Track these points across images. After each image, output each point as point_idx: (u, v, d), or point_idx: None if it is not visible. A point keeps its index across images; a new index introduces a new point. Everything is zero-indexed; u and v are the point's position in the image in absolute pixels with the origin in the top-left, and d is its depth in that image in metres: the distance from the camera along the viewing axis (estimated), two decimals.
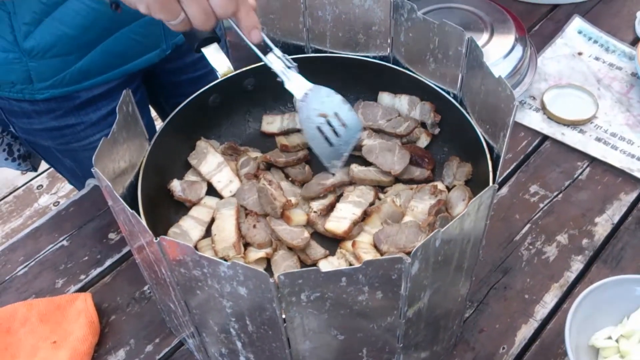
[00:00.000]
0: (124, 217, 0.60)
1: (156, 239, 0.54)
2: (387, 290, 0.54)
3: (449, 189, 0.81)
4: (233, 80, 0.83)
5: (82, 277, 0.89)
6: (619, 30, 1.18)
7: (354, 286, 0.53)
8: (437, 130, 0.86)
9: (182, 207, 0.81)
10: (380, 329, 0.59)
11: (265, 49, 0.76)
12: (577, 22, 1.18)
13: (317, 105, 0.77)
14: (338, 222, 0.77)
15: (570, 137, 1.01)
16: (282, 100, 0.91)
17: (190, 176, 0.82)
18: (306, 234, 0.75)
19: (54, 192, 2.08)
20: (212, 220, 0.78)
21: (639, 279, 0.76)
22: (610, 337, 0.76)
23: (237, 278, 0.52)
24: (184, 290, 0.60)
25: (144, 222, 0.55)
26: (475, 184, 0.81)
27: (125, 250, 0.92)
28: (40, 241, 0.93)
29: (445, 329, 0.72)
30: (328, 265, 0.75)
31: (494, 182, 0.70)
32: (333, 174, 0.82)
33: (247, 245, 0.76)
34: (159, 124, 1.24)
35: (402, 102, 0.87)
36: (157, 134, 0.77)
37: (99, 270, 0.90)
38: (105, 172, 0.63)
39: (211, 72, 1.18)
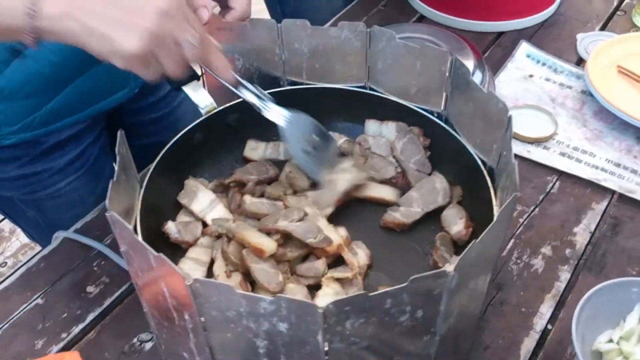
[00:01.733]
0: (142, 261, 0.56)
1: (189, 282, 0.51)
2: (428, 307, 0.54)
3: (442, 208, 0.82)
4: (216, 117, 0.82)
5: (64, 335, 0.83)
6: (562, 53, 1.25)
7: (397, 307, 0.52)
8: (427, 154, 0.87)
9: (178, 249, 0.77)
10: (418, 349, 0.58)
11: (238, 85, 0.79)
12: (524, 47, 1.25)
13: (299, 129, 0.82)
14: None
15: (536, 154, 1.06)
16: (266, 134, 0.90)
17: (182, 217, 0.79)
18: (280, 278, 0.72)
19: (0, 253, 1.95)
20: (212, 261, 0.75)
21: (633, 281, 0.79)
22: (611, 340, 0.78)
23: (279, 313, 0.50)
24: (211, 334, 0.57)
25: (172, 264, 0.52)
26: (467, 203, 0.83)
27: (107, 303, 0.86)
28: (12, 301, 0.86)
29: (461, 348, 0.72)
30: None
31: (495, 194, 0.72)
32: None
33: (252, 283, 0.73)
34: None
35: (390, 128, 0.88)
36: (148, 175, 0.74)
37: (81, 326, 0.84)
38: (119, 215, 0.59)
39: (171, 113, 1.17)
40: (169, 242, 0.76)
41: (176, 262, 0.75)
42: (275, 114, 0.79)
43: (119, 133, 0.66)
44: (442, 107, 0.84)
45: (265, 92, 0.81)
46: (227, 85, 0.77)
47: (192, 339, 0.59)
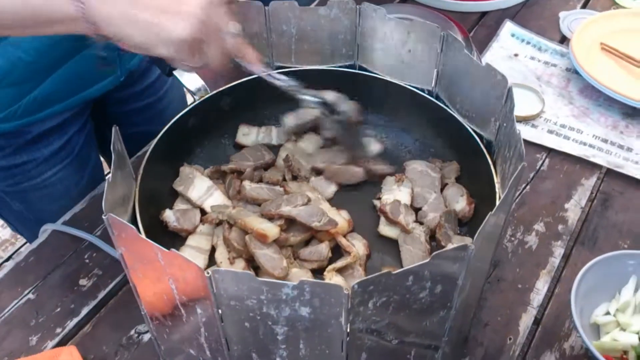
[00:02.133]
0: (144, 261, 0.55)
1: (208, 273, 0.50)
2: (446, 282, 0.54)
3: (441, 189, 0.82)
4: (209, 102, 0.81)
5: (58, 330, 0.81)
6: (546, 31, 1.26)
7: (418, 283, 0.52)
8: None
9: (176, 237, 0.76)
10: (433, 325, 0.58)
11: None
12: (509, 26, 1.25)
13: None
14: None
15: (525, 132, 1.06)
16: (259, 118, 0.89)
17: (179, 204, 0.77)
18: (285, 263, 0.71)
19: None
20: (214, 249, 0.74)
21: (628, 253, 0.80)
22: (608, 313, 0.79)
23: (302, 297, 0.50)
24: (228, 325, 0.56)
25: (186, 257, 0.51)
26: (466, 180, 0.83)
27: (101, 296, 0.84)
28: (2, 298, 0.84)
29: (468, 319, 0.73)
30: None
31: (494, 166, 0.73)
32: None
33: (256, 269, 0.72)
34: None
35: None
36: (142, 166, 0.72)
37: (75, 320, 0.82)
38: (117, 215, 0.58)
39: (158, 101, 1.15)
40: (167, 230, 0.75)
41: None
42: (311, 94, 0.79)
43: (113, 129, 0.64)
44: (432, 84, 0.84)
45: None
46: (260, 74, 0.76)
47: (203, 333, 0.58)
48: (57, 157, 0.97)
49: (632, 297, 0.79)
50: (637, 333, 0.76)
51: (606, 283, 0.79)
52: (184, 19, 0.62)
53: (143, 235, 0.56)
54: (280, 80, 0.77)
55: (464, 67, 0.76)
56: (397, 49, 0.84)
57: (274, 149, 0.87)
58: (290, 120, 0.86)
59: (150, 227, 0.70)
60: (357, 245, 0.75)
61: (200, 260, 0.73)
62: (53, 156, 0.97)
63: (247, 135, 0.88)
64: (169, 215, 0.74)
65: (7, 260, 1.85)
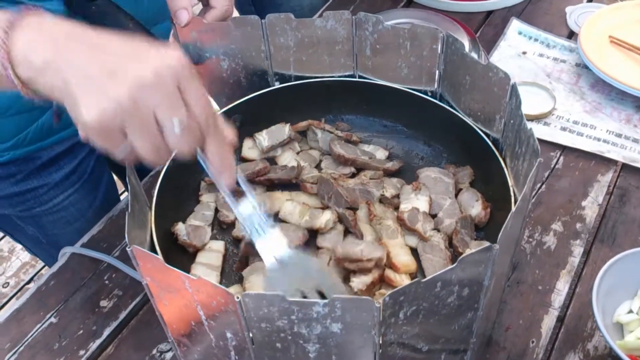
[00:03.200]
0: (171, 289, 0.56)
1: (238, 298, 0.50)
2: (473, 284, 0.54)
3: (456, 194, 0.81)
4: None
5: (82, 352, 0.82)
6: (553, 27, 1.25)
7: (446, 289, 0.52)
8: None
9: (188, 251, 0.77)
10: (460, 328, 0.59)
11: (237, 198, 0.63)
12: (515, 24, 1.25)
13: (295, 275, 0.64)
14: None
15: (538, 130, 1.05)
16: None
17: (192, 220, 0.78)
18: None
19: (1, 273, 1.92)
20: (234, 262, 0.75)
21: None
22: (631, 311, 0.78)
23: (333, 314, 0.50)
24: (259, 348, 0.56)
25: (215, 283, 0.51)
26: (480, 184, 0.83)
27: (122, 316, 0.85)
28: (25, 323, 0.85)
29: (490, 322, 0.72)
30: None
31: (503, 161, 0.72)
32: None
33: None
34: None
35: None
36: (156, 189, 0.73)
37: (98, 342, 0.83)
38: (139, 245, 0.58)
39: None
40: (177, 242, 0.76)
41: (187, 266, 0.74)
42: (268, 246, 0.63)
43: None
44: (435, 86, 0.84)
45: (266, 214, 0.64)
46: (224, 193, 0.60)
47: (233, 356, 0.59)
48: (68, 180, 0.98)
49: None
50: None
51: (628, 280, 0.79)
52: (100, 100, 0.50)
53: (180, 271, 0.54)
54: (238, 212, 0.63)
55: (465, 66, 0.76)
56: (396, 55, 0.84)
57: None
58: (264, 139, 0.87)
59: (163, 241, 0.70)
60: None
61: (213, 277, 0.73)
62: (64, 180, 0.98)
63: (252, 149, 0.88)
64: (180, 229, 0.75)
65: (28, 282, 1.88)
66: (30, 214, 1.00)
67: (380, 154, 0.89)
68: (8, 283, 1.89)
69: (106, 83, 0.50)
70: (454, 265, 0.50)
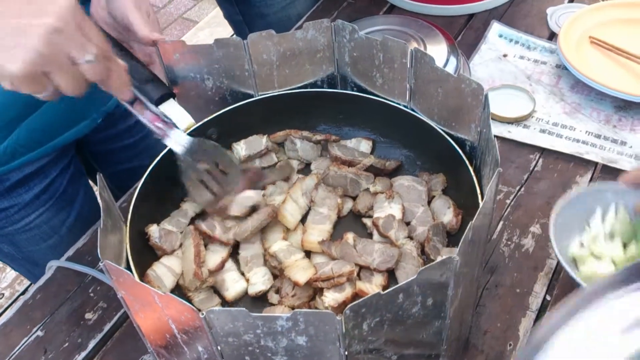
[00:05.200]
0: (144, 303, 0.57)
1: (202, 314, 0.52)
2: (437, 294, 0.55)
3: (429, 202, 0.82)
4: (196, 133, 0.82)
5: None
6: (534, 29, 1.26)
7: (409, 299, 0.53)
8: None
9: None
10: (429, 336, 0.60)
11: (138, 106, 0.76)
12: (496, 27, 1.25)
13: (199, 157, 0.78)
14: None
15: (517, 133, 1.06)
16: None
17: (166, 224, 0.80)
18: None
19: None
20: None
21: (605, 187, 0.84)
22: (582, 245, 0.82)
23: (297, 328, 0.51)
24: None
25: (182, 300, 0.53)
26: (452, 191, 0.84)
27: (107, 328, 0.86)
28: (12, 336, 0.87)
29: (465, 325, 0.74)
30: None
31: (479, 172, 0.73)
32: None
33: None
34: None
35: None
36: (131, 207, 0.75)
37: (83, 354, 0.84)
38: (112, 261, 0.60)
39: (145, 138, 1.15)
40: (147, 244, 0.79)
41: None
42: (174, 139, 0.77)
43: (98, 176, 0.66)
44: (407, 99, 0.85)
45: (172, 116, 0.78)
46: (126, 105, 0.74)
47: None
48: (39, 200, 0.99)
49: (600, 226, 0.82)
50: (613, 260, 0.79)
51: (578, 217, 0.83)
52: (20, 53, 0.57)
53: (138, 279, 0.58)
54: (143, 118, 0.77)
55: (437, 79, 0.77)
56: (370, 65, 0.85)
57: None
58: (242, 148, 0.89)
59: (136, 241, 0.73)
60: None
61: (170, 281, 0.76)
62: (34, 200, 0.98)
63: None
64: (153, 231, 0.77)
65: (23, 293, 1.90)
66: (3, 233, 1.00)
67: (364, 145, 0.90)
68: (3, 294, 1.91)
69: (18, 39, 0.57)
70: (414, 277, 0.51)
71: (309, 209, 0.84)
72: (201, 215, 0.87)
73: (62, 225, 1.03)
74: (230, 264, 0.80)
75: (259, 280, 0.77)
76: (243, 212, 0.82)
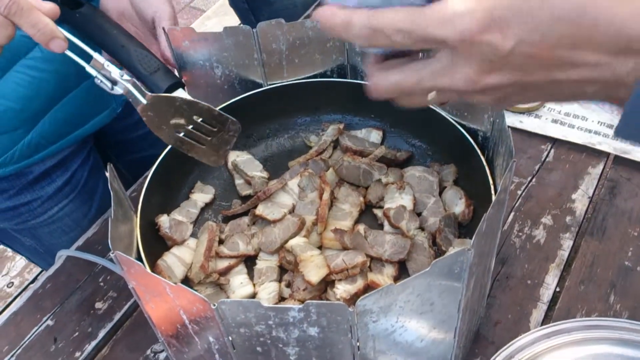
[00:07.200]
0: (155, 294, 0.57)
1: (214, 305, 0.51)
2: (450, 286, 0.54)
3: (440, 192, 0.82)
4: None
5: (77, 354, 0.83)
6: None
7: (422, 292, 0.53)
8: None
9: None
10: (443, 328, 0.59)
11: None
12: None
13: (168, 115, 0.70)
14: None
15: (529, 124, 1.05)
16: (254, 135, 0.90)
17: (177, 215, 0.80)
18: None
19: (5, 273, 1.95)
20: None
21: None
22: None
23: (309, 319, 0.51)
24: (240, 352, 0.57)
25: (193, 291, 0.52)
26: (463, 182, 0.83)
27: (117, 317, 0.87)
28: (22, 326, 0.87)
29: (476, 315, 0.73)
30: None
31: (491, 162, 0.73)
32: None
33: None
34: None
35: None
36: (142, 195, 0.74)
37: (93, 343, 0.84)
38: (123, 251, 0.60)
39: None
40: (158, 234, 0.79)
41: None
42: (136, 94, 0.68)
43: (109, 166, 0.65)
44: None
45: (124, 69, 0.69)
46: (71, 55, 0.65)
47: (218, 359, 0.60)
48: (61, 193, 0.99)
49: None
50: None
51: None
52: None
53: (149, 270, 0.57)
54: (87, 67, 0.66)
55: None
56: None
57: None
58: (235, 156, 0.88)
59: (147, 230, 0.73)
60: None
61: (180, 271, 0.76)
62: (57, 193, 0.99)
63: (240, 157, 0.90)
64: (164, 221, 0.77)
65: (32, 282, 1.91)
66: (26, 227, 1.01)
67: (375, 136, 0.90)
68: (12, 283, 1.93)
69: None
70: (427, 269, 0.51)
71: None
72: (210, 205, 0.87)
73: (84, 217, 1.04)
74: (241, 266, 0.79)
75: (265, 296, 0.75)
76: (277, 218, 0.80)
